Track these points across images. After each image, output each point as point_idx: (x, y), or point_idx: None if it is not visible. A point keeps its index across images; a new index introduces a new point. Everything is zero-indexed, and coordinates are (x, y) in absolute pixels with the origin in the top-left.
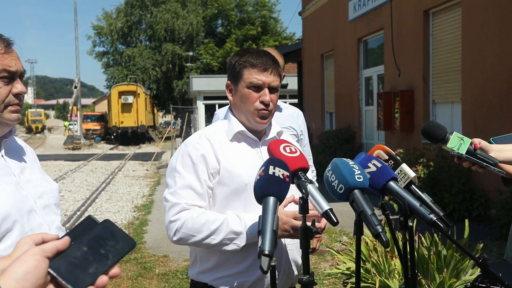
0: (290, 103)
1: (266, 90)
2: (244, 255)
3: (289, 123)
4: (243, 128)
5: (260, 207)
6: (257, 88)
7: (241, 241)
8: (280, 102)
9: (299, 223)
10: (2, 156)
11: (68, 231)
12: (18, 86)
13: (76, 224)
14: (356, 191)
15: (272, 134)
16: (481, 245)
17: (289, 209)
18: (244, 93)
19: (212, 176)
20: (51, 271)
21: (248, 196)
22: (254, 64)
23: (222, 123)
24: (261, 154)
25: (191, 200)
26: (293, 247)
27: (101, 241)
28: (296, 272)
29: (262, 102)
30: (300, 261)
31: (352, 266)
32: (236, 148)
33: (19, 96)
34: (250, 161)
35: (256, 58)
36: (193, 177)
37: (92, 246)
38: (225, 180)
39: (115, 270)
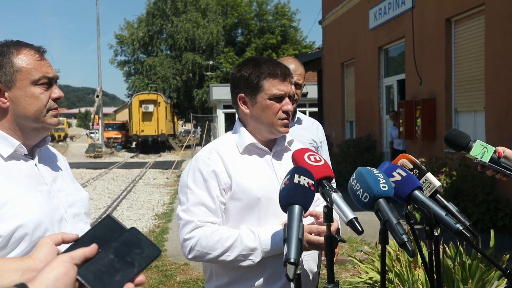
0: (310, 112)
1: (287, 99)
2: (260, 270)
3: (311, 135)
4: (255, 141)
5: (274, 220)
6: (279, 98)
7: (256, 257)
8: (300, 114)
9: (314, 237)
10: (35, 164)
11: (89, 230)
12: (56, 91)
13: (96, 223)
14: (381, 200)
15: (282, 144)
16: (507, 256)
17: (304, 223)
18: (267, 104)
19: (225, 192)
20: (80, 278)
21: (262, 210)
22: (274, 74)
23: (231, 136)
24: (273, 166)
25: (204, 217)
26: (309, 257)
27: (127, 249)
28: (312, 282)
29: (285, 112)
30: (316, 271)
31: (375, 275)
32: (247, 161)
33: (57, 100)
34: (262, 174)
35: (274, 69)
36: (205, 193)
37: (119, 253)
38: (238, 195)
39: (140, 278)
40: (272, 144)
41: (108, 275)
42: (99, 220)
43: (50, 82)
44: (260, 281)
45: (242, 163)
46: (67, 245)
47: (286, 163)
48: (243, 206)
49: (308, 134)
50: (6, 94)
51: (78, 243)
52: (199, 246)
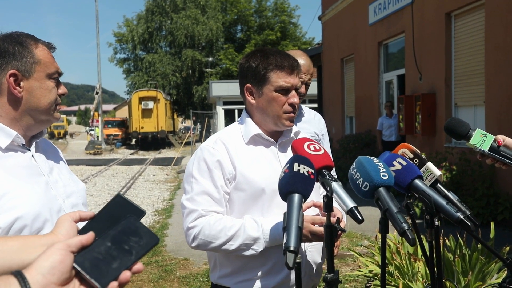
0: (310, 108)
1: (294, 92)
2: (263, 260)
3: (313, 128)
4: (260, 131)
5: (278, 210)
6: (286, 91)
7: (258, 246)
8: (303, 106)
9: (317, 228)
10: (32, 156)
11: (101, 208)
12: (62, 87)
13: (108, 202)
14: (381, 189)
15: (289, 135)
16: (508, 248)
17: (307, 214)
18: (273, 96)
19: (229, 182)
20: (76, 266)
21: (266, 201)
22: (282, 66)
23: (238, 126)
24: (278, 157)
25: (208, 206)
26: (313, 249)
27: (125, 237)
28: (317, 274)
29: (291, 105)
30: (320, 262)
31: (375, 268)
32: (252, 152)
33: (61, 96)
34: (267, 165)
35: (282, 61)
36: (209, 183)
37: (116, 241)
38: (242, 185)
39: (138, 266)
40: (279, 135)
41: (105, 262)
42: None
43: (58, 78)
44: (263, 271)
45: (247, 153)
46: (84, 223)
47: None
48: (247, 196)
49: (310, 127)
50: (21, 83)
51: (94, 220)
52: (202, 235)
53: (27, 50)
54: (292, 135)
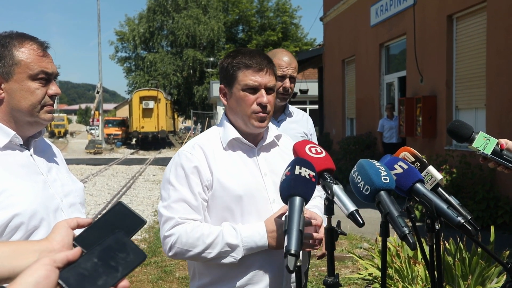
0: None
1: (263, 91)
2: (243, 270)
3: (302, 128)
4: (238, 135)
5: (256, 217)
6: (253, 90)
7: (237, 254)
8: (291, 107)
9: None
10: (31, 155)
11: (100, 216)
12: (53, 88)
13: (108, 210)
14: (382, 192)
15: (270, 138)
16: (507, 252)
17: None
18: (240, 96)
19: (207, 188)
20: (61, 282)
21: (244, 207)
22: (248, 65)
23: (217, 130)
24: (258, 162)
25: (185, 214)
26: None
27: (111, 253)
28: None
29: (259, 104)
30: (303, 270)
31: (374, 271)
32: (230, 157)
33: (53, 97)
34: (245, 171)
35: (250, 59)
36: (186, 189)
37: (103, 257)
38: (219, 192)
39: (124, 283)
40: (259, 139)
41: (90, 279)
42: (98, 215)
43: (48, 78)
44: (243, 281)
45: (225, 159)
46: (82, 229)
47: (273, 158)
48: (224, 203)
49: (299, 127)
50: (2, 85)
51: (91, 228)
52: (180, 243)
53: (6, 51)
54: (273, 139)
